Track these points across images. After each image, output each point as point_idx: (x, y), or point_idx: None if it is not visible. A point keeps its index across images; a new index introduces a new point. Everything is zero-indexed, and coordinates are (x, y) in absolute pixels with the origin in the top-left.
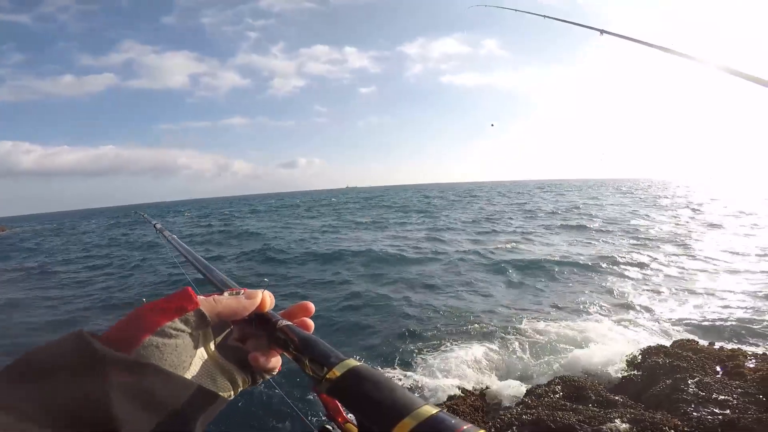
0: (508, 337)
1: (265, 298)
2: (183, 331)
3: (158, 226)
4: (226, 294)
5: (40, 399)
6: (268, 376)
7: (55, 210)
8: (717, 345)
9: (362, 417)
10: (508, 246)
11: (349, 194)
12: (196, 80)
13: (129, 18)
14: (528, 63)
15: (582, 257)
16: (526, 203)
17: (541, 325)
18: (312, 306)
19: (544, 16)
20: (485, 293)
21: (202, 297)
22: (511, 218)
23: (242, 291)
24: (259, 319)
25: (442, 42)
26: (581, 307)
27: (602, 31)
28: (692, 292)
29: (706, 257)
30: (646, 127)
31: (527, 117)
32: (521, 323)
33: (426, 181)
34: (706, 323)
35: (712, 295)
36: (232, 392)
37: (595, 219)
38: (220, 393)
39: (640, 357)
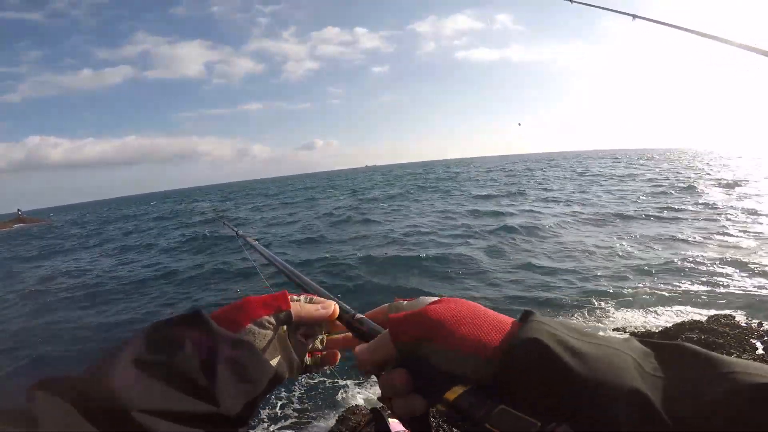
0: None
1: (336, 310)
2: (273, 325)
3: (240, 232)
4: (302, 298)
5: (169, 365)
6: (318, 371)
7: (87, 200)
8: (755, 321)
9: (421, 384)
10: None
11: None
12: (211, 68)
13: (138, 10)
14: (546, 37)
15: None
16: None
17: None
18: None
19: (572, 1)
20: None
21: (291, 300)
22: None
23: (314, 298)
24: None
25: (453, 18)
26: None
27: (634, 16)
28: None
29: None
30: (675, 97)
31: (548, 90)
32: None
33: (447, 157)
34: (750, 298)
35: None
36: (286, 378)
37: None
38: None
39: (672, 331)
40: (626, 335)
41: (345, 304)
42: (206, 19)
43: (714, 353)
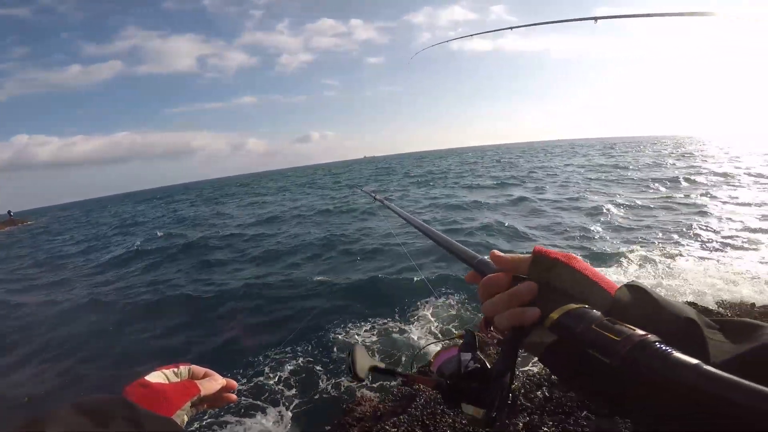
0: None
1: (225, 383)
2: (188, 408)
3: (378, 196)
4: (183, 370)
5: None
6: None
7: (79, 199)
8: None
9: (541, 300)
10: None
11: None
12: (204, 62)
13: (127, 4)
14: (539, 27)
15: None
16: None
17: None
18: None
19: (534, 24)
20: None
21: (197, 383)
22: None
23: (190, 367)
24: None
25: (449, 10)
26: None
27: (596, 19)
28: None
29: None
30: (665, 84)
31: (542, 79)
32: None
33: (443, 147)
34: None
35: None
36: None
37: None
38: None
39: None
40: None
41: (470, 250)
42: (198, 12)
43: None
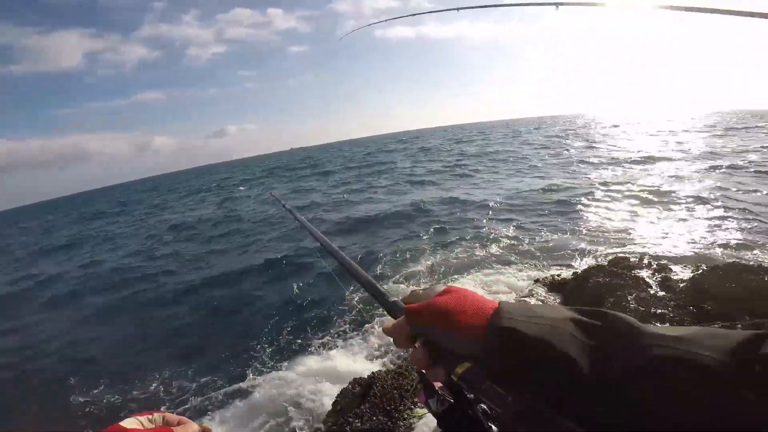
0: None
1: (206, 430)
2: None
3: (287, 205)
4: (157, 417)
5: None
6: None
7: None
8: (645, 260)
9: (439, 359)
10: None
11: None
12: (95, 58)
13: None
14: (458, 15)
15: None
16: None
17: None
18: None
19: (496, 6)
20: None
21: (173, 429)
22: None
23: (164, 414)
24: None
25: None
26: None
27: (557, 5)
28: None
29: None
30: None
31: (461, 65)
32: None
33: (374, 133)
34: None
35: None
36: None
37: None
38: None
39: (582, 277)
40: (566, 308)
41: (382, 288)
42: (86, 5)
43: (632, 320)
